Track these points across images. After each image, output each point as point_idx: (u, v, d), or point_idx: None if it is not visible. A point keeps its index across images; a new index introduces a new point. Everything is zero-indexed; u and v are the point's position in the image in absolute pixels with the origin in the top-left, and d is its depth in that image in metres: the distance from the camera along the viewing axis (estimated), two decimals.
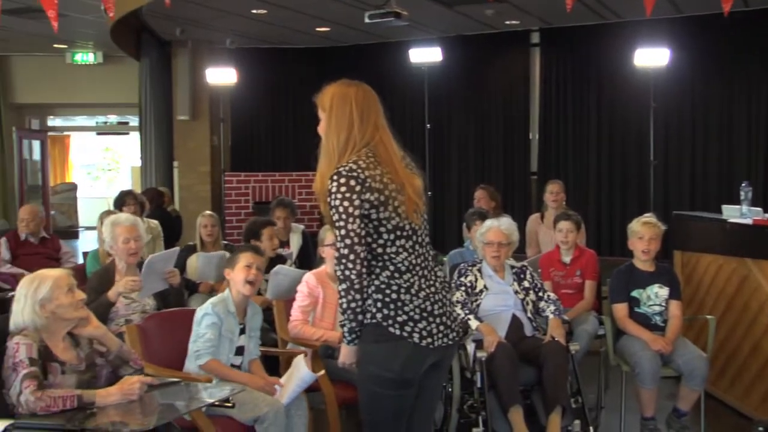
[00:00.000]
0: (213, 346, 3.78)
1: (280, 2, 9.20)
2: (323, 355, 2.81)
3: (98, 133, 19.54)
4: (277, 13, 9.74)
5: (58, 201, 16.81)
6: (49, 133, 16.09)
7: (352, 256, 2.64)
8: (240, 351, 3.93)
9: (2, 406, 2.95)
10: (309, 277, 4.45)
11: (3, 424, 2.76)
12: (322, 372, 3.91)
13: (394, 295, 2.68)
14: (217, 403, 3.21)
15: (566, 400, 4.17)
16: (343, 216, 2.64)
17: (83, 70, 13.54)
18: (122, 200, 6.94)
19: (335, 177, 2.67)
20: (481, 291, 4.56)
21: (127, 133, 18.17)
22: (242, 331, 3.95)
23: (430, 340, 2.68)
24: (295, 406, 3.76)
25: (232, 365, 3.88)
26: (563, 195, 6.97)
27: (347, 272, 2.65)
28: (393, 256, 2.70)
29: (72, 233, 16.09)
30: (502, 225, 4.64)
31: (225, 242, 6.46)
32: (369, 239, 2.69)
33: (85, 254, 6.66)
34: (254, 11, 9.72)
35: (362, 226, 2.66)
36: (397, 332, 2.66)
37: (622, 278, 4.72)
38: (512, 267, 4.68)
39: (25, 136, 14.62)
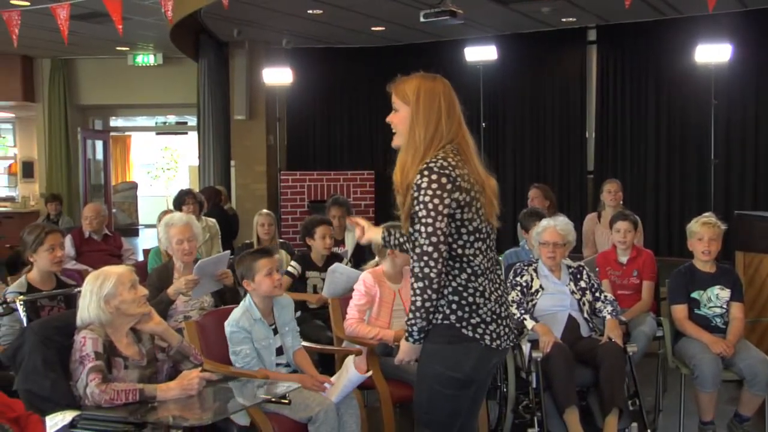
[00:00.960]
0: (254, 359, 3.79)
1: (335, 2, 9.26)
2: (381, 353, 2.82)
3: (157, 133, 19.90)
4: (333, 12, 9.80)
5: (120, 199, 17.18)
6: (111, 134, 16.45)
7: (435, 255, 2.60)
8: (280, 350, 3.94)
9: (70, 398, 3.04)
10: (366, 276, 4.47)
11: (71, 415, 2.86)
12: (370, 372, 3.91)
13: (470, 298, 2.69)
14: (273, 399, 3.26)
15: (623, 402, 4.12)
16: (432, 213, 2.59)
17: (144, 71, 13.81)
18: (182, 199, 7.03)
19: (426, 172, 2.62)
20: (537, 291, 4.53)
21: (186, 133, 18.46)
22: (276, 331, 3.94)
23: (498, 342, 2.72)
24: (345, 405, 3.76)
25: (277, 365, 3.90)
26: (621, 194, 6.87)
27: (427, 270, 2.61)
28: (471, 258, 2.70)
29: (132, 231, 16.43)
30: (558, 225, 4.60)
31: (281, 240, 6.53)
32: (450, 239, 2.67)
33: (145, 251, 6.82)
34: (310, 11, 9.80)
35: (448, 225, 2.63)
36: (470, 334, 2.67)
37: (681, 279, 4.64)
38: (569, 267, 4.63)
39: (89, 137, 14.98)
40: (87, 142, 14.78)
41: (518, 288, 4.53)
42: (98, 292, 3.18)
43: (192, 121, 15.61)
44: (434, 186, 2.59)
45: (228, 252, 5.28)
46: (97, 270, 3.33)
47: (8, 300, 3.75)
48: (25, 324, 3.59)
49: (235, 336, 3.80)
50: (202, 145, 12.33)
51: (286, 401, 3.27)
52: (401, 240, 2.95)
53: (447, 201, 2.60)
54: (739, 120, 10.16)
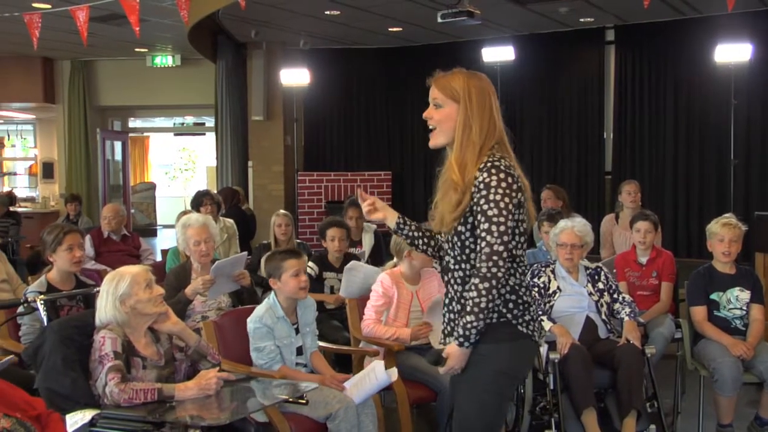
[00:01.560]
0: (276, 355, 3.81)
1: (353, 3, 9.28)
2: (432, 362, 2.69)
3: (175, 134, 20.00)
4: (350, 13, 9.82)
5: (138, 200, 17.28)
6: (130, 134, 16.55)
7: (505, 254, 2.55)
8: (300, 350, 3.95)
9: (90, 397, 3.06)
10: (384, 277, 4.47)
11: (90, 414, 2.88)
12: (397, 377, 3.91)
13: (524, 297, 2.69)
14: (291, 399, 3.26)
15: (641, 404, 4.10)
16: (504, 212, 2.54)
17: (162, 72, 13.89)
18: (200, 200, 7.06)
19: (494, 171, 2.57)
20: (554, 292, 4.52)
21: (204, 134, 18.55)
22: (297, 331, 3.95)
23: (538, 337, 2.77)
24: (363, 405, 3.75)
25: (297, 364, 3.92)
26: (639, 195, 6.83)
27: (495, 270, 2.55)
28: (521, 258, 2.70)
29: (151, 231, 16.53)
30: (576, 227, 4.58)
31: (298, 241, 6.55)
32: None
33: (163, 252, 6.85)
34: (327, 12, 9.82)
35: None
36: (525, 331, 2.67)
37: (700, 280, 4.61)
38: (586, 268, 4.61)
39: (108, 137, 15.08)
40: (106, 143, 14.88)
41: (536, 289, 4.51)
42: (114, 292, 3.20)
43: (210, 122, 15.68)
44: (503, 185, 2.56)
45: (245, 253, 5.30)
46: (114, 271, 3.35)
47: (29, 299, 3.78)
48: (45, 323, 3.61)
49: (257, 332, 3.82)
50: (220, 146, 12.39)
51: (304, 401, 3.27)
52: (415, 234, 2.88)
53: (515, 201, 2.58)
54: (759, 120, 10.08)
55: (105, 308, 3.20)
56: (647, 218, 5.31)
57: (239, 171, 12.24)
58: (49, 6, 8.80)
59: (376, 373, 3.74)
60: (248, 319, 3.88)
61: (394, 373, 3.78)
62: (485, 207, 2.55)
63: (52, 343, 3.14)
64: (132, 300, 3.20)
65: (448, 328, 2.75)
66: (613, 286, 4.60)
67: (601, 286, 4.56)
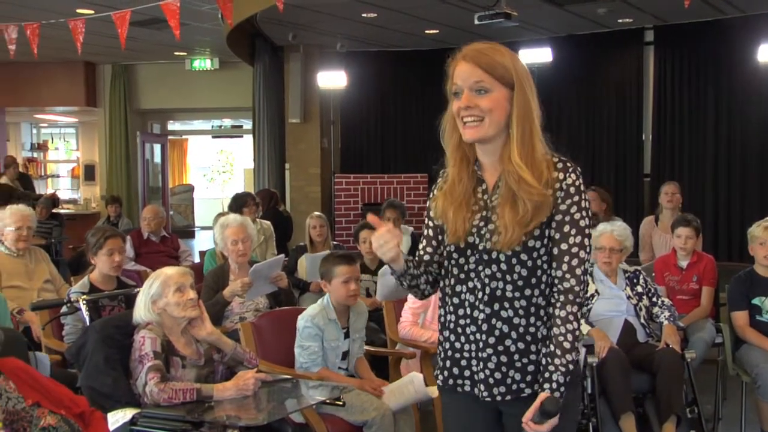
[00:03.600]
0: (319, 357, 3.81)
1: (390, 6, 9.30)
2: (543, 415, 2.02)
3: (213, 137, 20.20)
4: (387, 16, 9.84)
5: (176, 202, 17.48)
6: (169, 137, 16.76)
7: (588, 269, 2.14)
8: (344, 354, 3.95)
9: (130, 396, 3.11)
10: None
11: (131, 412, 2.93)
12: (437, 394, 3.87)
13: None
14: (328, 401, 3.28)
15: (681, 410, 4.04)
16: (586, 219, 2.11)
17: (201, 76, 14.05)
18: (244, 201, 7.04)
19: (578, 172, 2.13)
20: (592, 295, 4.48)
21: (241, 136, 18.69)
22: (347, 335, 3.95)
23: None
24: (401, 410, 3.77)
25: (339, 368, 3.92)
26: (679, 196, 6.73)
27: (584, 291, 2.11)
28: None
29: (189, 233, 16.71)
30: (616, 231, 4.53)
31: (335, 243, 6.58)
32: None
33: (201, 253, 6.93)
34: (364, 15, 9.85)
35: None
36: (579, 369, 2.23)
37: (742, 285, 4.53)
38: (625, 272, 4.57)
39: (148, 140, 15.29)
40: (145, 146, 15.08)
41: None
42: (147, 293, 3.25)
43: (247, 124, 15.81)
44: (584, 188, 2.13)
45: (282, 255, 5.34)
46: (155, 272, 3.40)
47: (72, 300, 3.85)
48: (87, 323, 3.68)
49: (306, 331, 3.82)
50: (257, 148, 12.48)
51: (341, 403, 3.29)
52: (415, 272, 2.24)
53: None
54: None
55: (139, 308, 3.25)
56: (689, 224, 5.23)
57: (276, 173, 12.32)
58: (92, 11, 8.96)
59: (415, 386, 3.73)
60: (299, 316, 3.89)
61: (433, 389, 3.76)
62: (577, 216, 2.09)
63: (94, 342, 3.20)
64: (162, 302, 3.23)
65: (497, 374, 2.13)
66: (652, 290, 4.55)
67: (639, 289, 4.51)
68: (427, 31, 11.06)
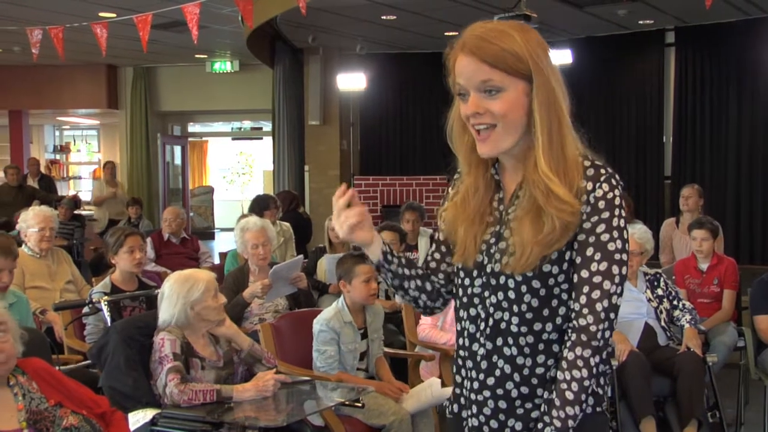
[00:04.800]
0: (336, 361, 3.81)
1: (409, 8, 9.30)
2: None
3: (233, 138, 20.29)
4: (407, 18, 9.84)
5: (196, 203, 17.58)
6: (189, 139, 16.85)
7: (618, 311, 1.71)
8: (363, 355, 3.95)
9: (151, 396, 3.14)
10: None
11: (152, 413, 2.95)
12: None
13: (609, 369, 1.83)
14: (347, 402, 3.29)
15: (703, 414, 4.01)
16: (626, 246, 1.69)
17: (221, 78, 14.11)
18: (267, 204, 7.02)
19: (614, 181, 1.70)
20: None
21: (261, 138, 18.77)
22: (364, 336, 3.94)
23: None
24: (421, 413, 3.77)
25: (358, 369, 3.93)
26: (697, 200, 6.68)
27: (608, 333, 1.68)
28: None
29: (209, 234, 16.79)
30: (636, 234, 4.51)
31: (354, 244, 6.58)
32: None
33: (221, 255, 6.96)
34: (384, 17, 9.86)
35: None
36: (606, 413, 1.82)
37: (765, 288, 4.49)
38: (645, 274, 4.54)
39: (168, 142, 15.38)
40: (166, 148, 15.18)
41: None
42: (186, 296, 3.25)
43: (267, 126, 15.87)
44: (622, 204, 1.70)
45: (301, 256, 5.36)
46: (183, 272, 3.39)
47: (94, 300, 3.89)
48: (108, 323, 3.71)
49: (322, 335, 3.82)
50: (277, 150, 12.52)
51: (360, 404, 3.29)
52: (405, 272, 1.91)
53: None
54: None
55: (172, 309, 3.24)
56: (703, 226, 5.20)
57: (296, 175, 12.35)
58: (114, 15, 9.04)
59: (432, 390, 3.73)
60: (315, 320, 3.88)
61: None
62: (605, 237, 1.66)
63: (115, 343, 3.22)
64: (200, 306, 3.25)
65: (493, 422, 1.77)
66: (673, 293, 4.52)
67: (660, 292, 4.48)
68: (446, 33, 11.04)
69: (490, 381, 1.76)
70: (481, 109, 1.71)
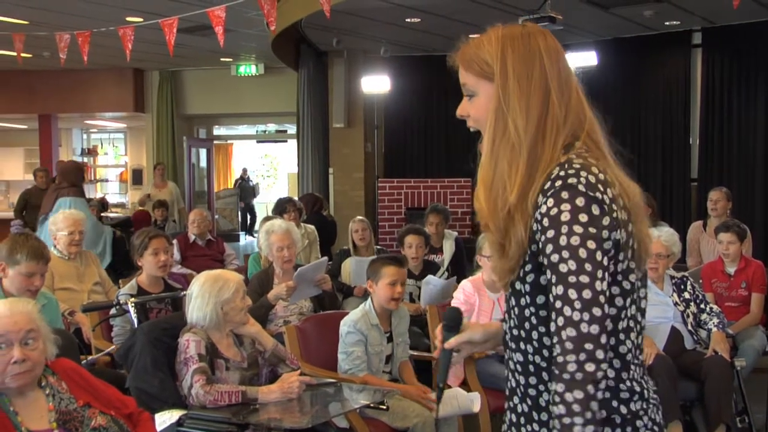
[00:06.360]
0: (363, 362, 3.81)
1: (434, 10, 9.30)
2: None
3: (258, 141, 20.39)
4: (431, 21, 9.84)
5: (221, 206, 17.69)
6: (215, 142, 16.97)
7: (602, 337, 1.50)
8: (388, 359, 3.96)
9: (177, 397, 3.16)
10: (465, 284, 4.46)
11: (178, 414, 2.97)
12: (479, 407, 3.84)
13: (645, 385, 1.75)
14: (372, 405, 3.29)
15: (731, 419, 3.97)
16: (572, 263, 1.50)
17: (246, 81, 14.19)
18: (283, 207, 7.14)
19: (567, 193, 1.54)
20: None
21: (285, 141, 18.85)
22: (389, 339, 3.95)
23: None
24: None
25: (383, 372, 3.93)
26: (726, 203, 6.61)
27: (590, 366, 1.48)
28: (632, 328, 1.67)
29: (233, 236, 16.89)
30: (663, 236, 4.47)
31: (378, 247, 6.59)
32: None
33: (246, 257, 7.00)
34: (408, 20, 9.86)
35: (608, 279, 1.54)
36: None
37: None
38: (672, 277, 4.50)
39: (194, 145, 15.51)
40: (192, 150, 15.30)
41: None
42: (217, 296, 3.27)
43: (291, 129, 15.93)
44: (583, 217, 1.51)
45: (326, 258, 5.37)
46: (212, 272, 3.41)
47: (121, 302, 3.93)
48: (135, 325, 3.75)
49: (349, 337, 3.83)
50: (301, 153, 12.57)
51: (385, 407, 3.30)
52: None
53: (608, 241, 1.54)
54: None
55: (204, 309, 3.25)
56: (729, 229, 5.15)
57: (320, 177, 12.38)
58: (141, 19, 9.13)
59: (458, 401, 3.73)
60: (342, 322, 3.89)
61: (476, 403, 3.76)
62: (554, 258, 1.51)
63: (142, 344, 3.25)
64: (229, 306, 3.28)
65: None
66: (700, 296, 4.47)
67: (687, 296, 4.44)
68: (471, 36, 11.01)
69: (507, 390, 1.73)
70: (464, 113, 1.76)
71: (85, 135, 17.65)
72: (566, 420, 1.48)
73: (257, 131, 19.02)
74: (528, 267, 1.58)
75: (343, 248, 6.52)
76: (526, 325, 1.61)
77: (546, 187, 1.55)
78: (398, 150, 12.86)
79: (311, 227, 7.22)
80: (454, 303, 4.45)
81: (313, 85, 12.11)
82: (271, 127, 18.47)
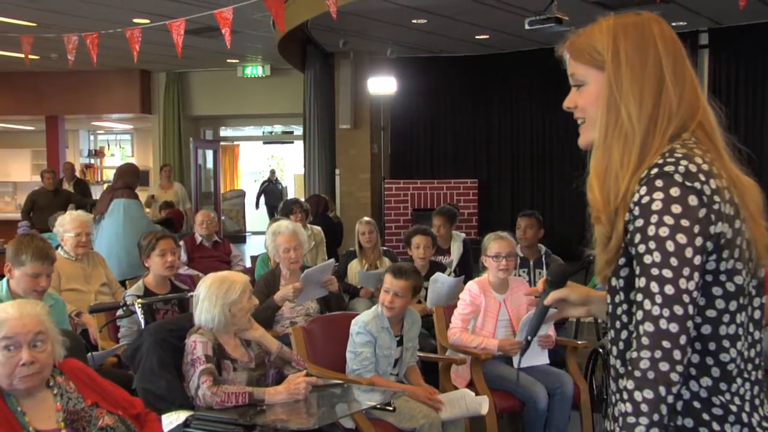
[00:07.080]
0: (371, 363, 3.81)
1: (440, 11, 9.29)
2: None
3: (264, 142, 20.40)
4: (437, 22, 9.84)
5: (228, 207, 17.70)
6: (221, 143, 16.99)
7: (683, 338, 1.41)
8: (397, 362, 3.96)
9: (184, 398, 3.17)
10: (472, 285, 4.45)
11: (185, 415, 2.98)
12: (487, 410, 3.84)
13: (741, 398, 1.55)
14: (378, 406, 3.29)
15: None
16: (658, 255, 1.43)
17: (252, 82, 14.20)
18: (289, 208, 7.13)
19: (661, 181, 1.47)
20: None
21: (292, 142, 18.85)
22: (399, 343, 3.95)
23: None
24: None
25: (390, 374, 3.93)
26: None
27: (665, 365, 1.40)
28: (734, 337, 1.52)
29: (240, 238, 16.89)
30: None
31: (384, 248, 6.58)
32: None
33: (253, 258, 7.00)
34: (414, 21, 9.87)
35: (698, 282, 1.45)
36: None
37: None
38: None
39: (200, 146, 15.53)
40: (198, 152, 15.32)
41: None
42: (225, 297, 3.27)
43: (298, 130, 15.94)
44: (676, 209, 1.43)
45: (332, 260, 5.37)
46: (218, 274, 3.42)
47: (128, 303, 3.94)
48: (142, 326, 3.75)
49: (359, 337, 3.84)
50: (308, 154, 12.57)
51: (391, 408, 3.29)
52: None
53: (702, 236, 1.44)
54: None
55: (213, 310, 3.25)
56: None
57: (326, 179, 12.39)
58: (148, 21, 9.16)
59: (466, 403, 3.73)
60: (353, 322, 3.91)
61: (484, 406, 3.76)
62: (641, 249, 1.45)
63: (149, 345, 3.26)
64: (236, 307, 3.28)
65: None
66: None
67: None
68: (477, 37, 11.02)
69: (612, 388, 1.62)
70: (572, 104, 1.67)
71: (92, 136, 17.69)
72: (631, 419, 1.41)
73: (264, 132, 19.03)
74: (622, 260, 1.52)
75: (349, 249, 6.51)
76: (617, 324, 1.56)
77: (642, 175, 1.49)
78: (404, 151, 12.86)
79: (317, 228, 7.21)
80: (459, 304, 4.45)
81: (320, 86, 12.12)
82: (278, 128, 18.49)
